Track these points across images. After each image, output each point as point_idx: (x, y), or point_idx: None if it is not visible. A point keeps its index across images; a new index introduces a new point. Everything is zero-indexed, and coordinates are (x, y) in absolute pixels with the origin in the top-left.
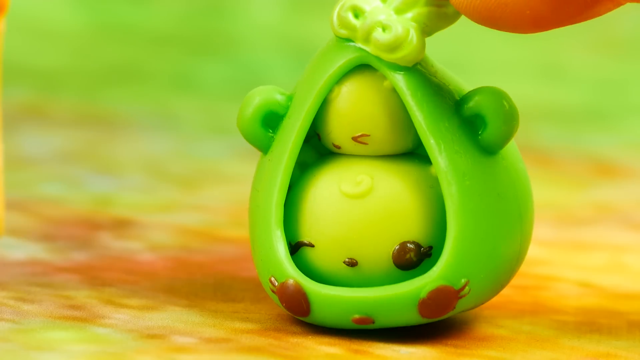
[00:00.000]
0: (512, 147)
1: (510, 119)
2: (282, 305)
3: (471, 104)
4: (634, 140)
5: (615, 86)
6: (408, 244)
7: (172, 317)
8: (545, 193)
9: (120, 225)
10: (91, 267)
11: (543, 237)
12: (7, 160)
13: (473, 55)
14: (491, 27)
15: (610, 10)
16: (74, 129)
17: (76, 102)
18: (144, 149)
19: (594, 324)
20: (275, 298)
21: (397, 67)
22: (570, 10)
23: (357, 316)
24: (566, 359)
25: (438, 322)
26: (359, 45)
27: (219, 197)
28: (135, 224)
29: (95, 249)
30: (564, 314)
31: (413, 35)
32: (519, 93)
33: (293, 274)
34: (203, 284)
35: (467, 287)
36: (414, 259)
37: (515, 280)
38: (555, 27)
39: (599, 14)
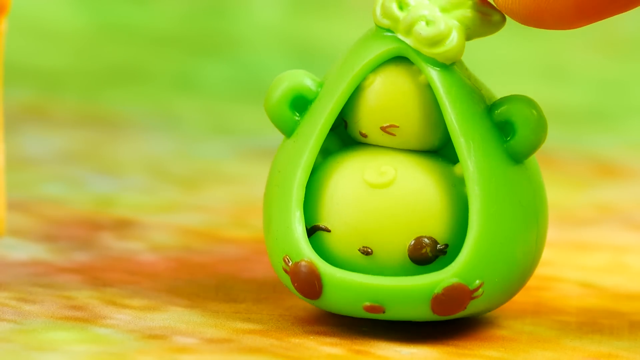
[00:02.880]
0: (534, 160)
1: (539, 129)
2: (293, 285)
3: (502, 110)
4: (636, 140)
5: (618, 87)
6: (425, 239)
7: (173, 317)
8: (547, 193)
9: (122, 226)
10: (93, 268)
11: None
12: (9, 160)
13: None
14: (536, 25)
15: None
16: (76, 129)
17: (78, 103)
18: (146, 149)
19: (595, 324)
20: (286, 279)
21: (434, 62)
22: None
23: (368, 304)
24: (568, 359)
25: (439, 322)
26: (400, 36)
27: (221, 197)
28: (137, 224)
29: (96, 250)
30: (566, 315)
31: (455, 33)
32: (521, 93)
33: (309, 255)
34: (205, 284)
35: (481, 289)
36: (429, 254)
37: None
38: (601, 17)
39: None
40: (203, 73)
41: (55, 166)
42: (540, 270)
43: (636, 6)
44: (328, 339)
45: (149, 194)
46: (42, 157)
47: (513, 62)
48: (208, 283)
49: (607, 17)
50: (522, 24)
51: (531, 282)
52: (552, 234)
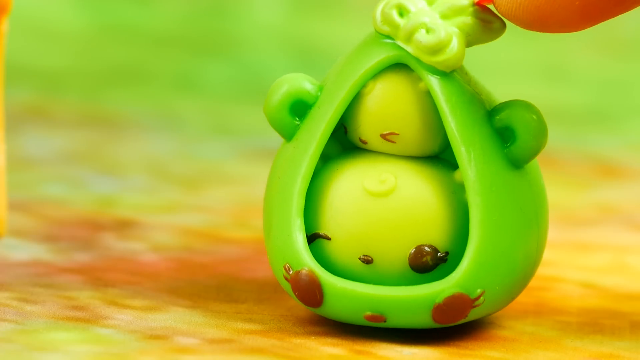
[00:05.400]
0: (535, 163)
1: (539, 134)
2: (294, 293)
3: (502, 115)
4: (637, 140)
5: (619, 87)
6: (425, 247)
7: (175, 317)
8: (548, 194)
9: (123, 226)
10: (94, 268)
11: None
12: (10, 160)
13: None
14: (540, 29)
15: None
16: (77, 130)
17: (79, 103)
18: (147, 150)
19: (597, 324)
20: (287, 286)
21: (434, 70)
22: None
23: (369, 313)
24: (569, 359)
25: None
26: (400, 43)
27: (222, 197)
28: (138, 224)
29: (98, 250)
30: (567, 315)
31: (455, 41)
32: (522, 94)
33: (310, 264)
34: (206, 284)
35: (482, 298)
36: (430, 262)
37: None
38: (605, 18)
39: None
40: (204, 73)
41: (56, 166)
42: (541, 271)
43: (638, 5)
44: (329, 339)
45: (150, 194)
46: (43, 158)
47: (514, 63)
48: (209, 283)
49: (611, 18)
50: (525, 29)
51: (532, 283)
52: (554, 234)
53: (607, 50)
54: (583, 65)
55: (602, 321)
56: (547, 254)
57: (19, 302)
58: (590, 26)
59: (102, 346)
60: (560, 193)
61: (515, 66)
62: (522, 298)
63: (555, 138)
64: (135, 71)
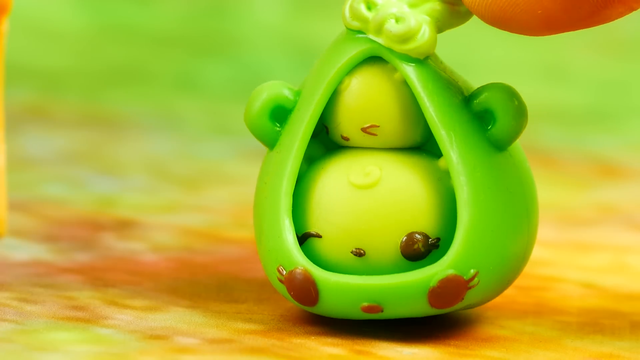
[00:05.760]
0: (518, 147)
1: (519, 114)
2: (290, 294)
3: (481, 99)
4: (637, 141)
5: (619, 87)
6: (416, 235)
7: (175, 317)
8: (548, 194)
9: (123, 226)
10: (94, 268)
11: (546, 238)
12: (10, 160)
13: (475, 56)
14: (502, 28)
15: (622, 14)
16: (77, 130)
17: (79, 103)
18: (147, 150)
19: (596, 324)
20: (282, 289)
21: (408, 59)
22: (582, 12)
23: (366, 304)
24: (569, 359)
25: (441, 322)
26: (371, 36)
27: (222, 197)
28: (138, 224)
29: (98, 250)
30: (567, 315)
31: (425, 28)
32: (522, 94)
33: (302, 262)
34: (206, 284)
35: (476, 278)
36: (421, 249)
37: (518, 281)
38: (566, 30)
39: (611, 19)
40: (205, 73)
41: (56, 166)
42: (541, 271)
43: (603, 22)
44: (329, 339)
45: (151, 194)
46: (43, 158)
47: (514, 62)
48: (209, 283)
49: (572, 30)
50: (488, 24)
51: (532, 283)
52: (553, 234)
53: (607, 50)
54: (583, 65)
55: (602, 321)
56: (547, 254)
57: (19, 302)
58: (552, 34)
59: (102, 346)
60: (560, 193)
61: (515, 66)
62: (522, 298)
63: (555, 138)
64: (136, 71)
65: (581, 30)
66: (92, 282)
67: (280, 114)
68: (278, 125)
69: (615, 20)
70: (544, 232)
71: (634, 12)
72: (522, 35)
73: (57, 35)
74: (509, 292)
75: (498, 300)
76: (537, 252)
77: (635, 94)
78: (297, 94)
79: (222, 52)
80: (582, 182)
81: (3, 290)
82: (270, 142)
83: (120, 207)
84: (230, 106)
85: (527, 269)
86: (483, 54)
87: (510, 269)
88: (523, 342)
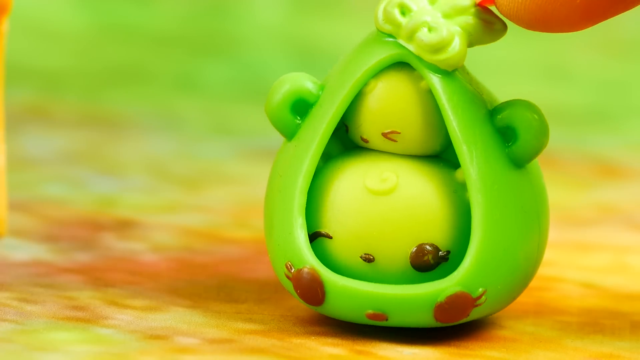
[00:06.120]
0: (535, 163)
1: (541, 134)
2: (296, 292)
3: (504, 115)
4: (637, 141)
5: (619, 87)
6: (427, 246)
7: (175, 317)
8: (548, 194)
9: (123, 226)
10: (94, 268)
11: None
12: (10, 160)
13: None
14: (541, 29)
15: None
16: (77, 130)
17: (79, 103)
18: (147, 150)
19: (597, 324)
20: (288, 285)
21: (436, 69)
22: None
23: (371, 311)
24: (569, 359)
25: None
26: (401, 42)
27: (222, 197)
28: (138, 224)
29: (98, 250)
30: (567, 315)
31: (457, 40)
32: (522, 94)
33: (312, 262)
34: (206, 284)
35: (483, 297)
36: (431, 261)
37: None
38: (608, 17)
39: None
40: (205, 73)
41: (56, 166)
42: (541, 271)
43: (639, 4)
44: (329, 340)
45: (151, 194)
46: (43, 158)
47: (514, 62)
48: (209, 283)
49: (612, 17)
50: (527, 29)
51: (533, 283)
52: (554, 234)
53: (607, 50)
54: (583, 65)
55: (602, 321)
56: (547, 254)
57: (19, 302)
58: (592, 25)
59: (102, 346)
60: (560, 193)
61: (515, 66)
62: (522, 298)
63: (555, 138)
64: (136, 71)
65: (581, 30)
66: (92, 282)
67: (302, 106)
68: (298, 118)
69: (616, 21)
70: None
71: (633, 11)
72: (523, 35)
73: (57, 35)
74: None
75: None
76: None
77: (635, 94)
78: (321, 88)
79: (222, 52)
80: (582, 182)
81: (3, 290)
82: (289, 134)
83: (120, 207)
84: (230, 106)
85: None
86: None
87: (518, 285)
88: (523, 342)
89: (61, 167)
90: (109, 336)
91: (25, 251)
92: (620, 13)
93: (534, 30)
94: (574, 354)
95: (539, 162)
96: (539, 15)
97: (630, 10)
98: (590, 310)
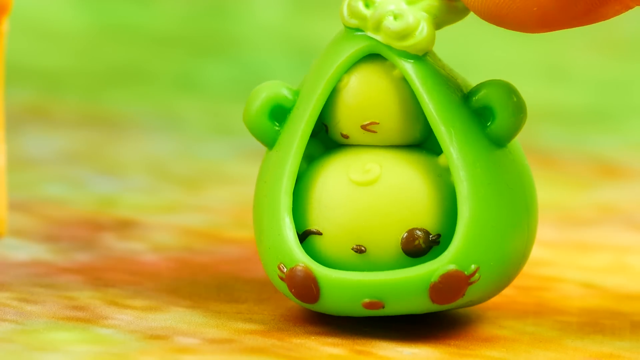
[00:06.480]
0: (517, 144)
1: (518, 111)
2: (291, 292)
3: (479, 95)
4: (638, 141)
5: (619, 87)
6: (417, 231)
7: (175, 317)
8: (548, 194)
9: (124, 226)
10: (94, 268)
11: (546, 238)
12: (10, 160)
13: (475, 56)
14: (498, 25)
15: (618, 13)
16: (77, 130)
17: (79, 103)
18: (148, 150)
19: (597, 324)
20: (283, 286)
21: (407, 55)
22: (577, 10)
23: (367, 300)
24: (569, 359)
25: (441, 322)
26: (369, 34)
27: (222, 197)
28: (139, 224)
29: (98, 250)
30: (567, 315)
31: (424, 24)
32: (522, 93)
33: (303, 259)
34: (206, 284)
35: (477, 274)
36: (422, 245)
37: (518, 281)
38: (562, 28)
39: (607, 17)
40: (205, 73)
41: (56, 166)
42: (541, 271)
43: (599, 21)
44: (329, 339)
45: (151, 194)
46: (43, 158)
47: (514, 62)
48: (209, 283)
49: (567, 28)
50: (484, 20)
51: (532, 283)
52: (554, 234)
53: (607, 50)
54: (583, 65)
55: (602, 321)
56: (548, 254)
57: (19, 302)
58: (547, 31)
59: (102, 346)
60: (560, 193)
61: (515, 66)
62: (522, 298)
63: (555, 138)
64: (136, 71)
65: (581, 29)
66: (93, 282)
67: (280, 113)
68: (277, 124)
69: (616, 20)
70: (544, 232)
71: (633, 11)
72: (523, 35)
73: (57, 35)
74: (509, 292)
75: (498, 300)
76: (537, 252)
77: (635, 94)
78: (296, 93)
79: (222, 52)
80: (582, 182)
81: (3, 290)
82: (270, 141)
83: (120, 207)
84: (230, 106)
85: (527, 269)
86: (483, 54)
87: (511, 265)
88: (523, 342)
89: (61, 167)
90: (109, 336)
91: (25, 251)
92: (575, 27)
93: (491, 23)
94: (574, 354)
95: (538, 161)
96: (495, 12)
97: (631, 10)
98: (590, 310)
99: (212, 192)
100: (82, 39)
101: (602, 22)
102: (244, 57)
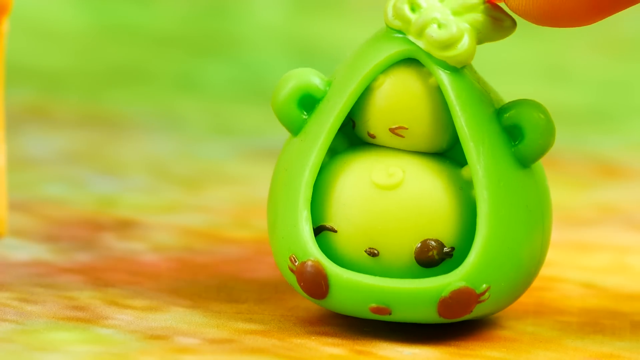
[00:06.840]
0: (540, 166)
1: (547, 133)
2: (300, 285)
3: (511, 114)
4: (637, 141)
5: (619, 87)
6: (431, 242)
7: (175, 317)
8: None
9: (124, 226)
10: (94, 268)
11: None
12: (11, 161)
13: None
14: (550, 23)
15: None
16: (78, 130)
17: (79, 103)
18: (148, 150)
19: (597, 324)
20: (292, 278)
21: (445, 65)
22: None
23: (375, 305)
24: (569, 359)
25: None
26: (411, 38)
27: (223, 197)
28: (139, 224)
29: (98, 250)
30: (568, 315)
31: (467, 37)
32: (523, 93)
33: (316, 255)
34: (206, 284)
35: (487, 293)
36: (435, 257)
37: None
38: (617, 10)
39: None
40: (205, 73)
41: (57, 166)
42: (542, 271)
43: None
44: (330, 340)
45: (151, 194)
46: (43, 158)
47: (515, 62)
48: (210, 283)
49: (620, 10)
50: (535, 24)
51: (533, 283)
52: (554, 234)
53: (607, 50)
54: (584, 65)
55: (602, 321)
56: (548, 254)
57: (19, 302)
58: (600, 19)
59: (103, 346)
60: (560, 193)
61: (516, 66)
62: (523, 298)
63: (556, 138)
64: (136, 71)
65: (581, 29)
66: (93, 282)
67: (308, 102)
68: (305, 113)
69: (616, 21)
70: None
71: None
72: (523, 35)
73: (57, 35)
74: None
75: None
76: None
77: (636, 94)
78: (328, 84)
79: (222, 52)
80: (583, 182)
81: (3, 290)
82: (295, 129)
83: (121, 207)
84: (231, 106)
85: None
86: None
87: (521, 284)
88: (524, 342)
89: (61, 167)
90: (109, 336)
91: (26, 251)
92: (627, 7)
93: (543, 25)
94: (574, 354)
95: (540, 161)
96: (547, 9)
97: (631, 10)
98: (590, 310)
99: (212, 192)
100: (82, 39)
101: (603, 22)
102: (244, 57)
